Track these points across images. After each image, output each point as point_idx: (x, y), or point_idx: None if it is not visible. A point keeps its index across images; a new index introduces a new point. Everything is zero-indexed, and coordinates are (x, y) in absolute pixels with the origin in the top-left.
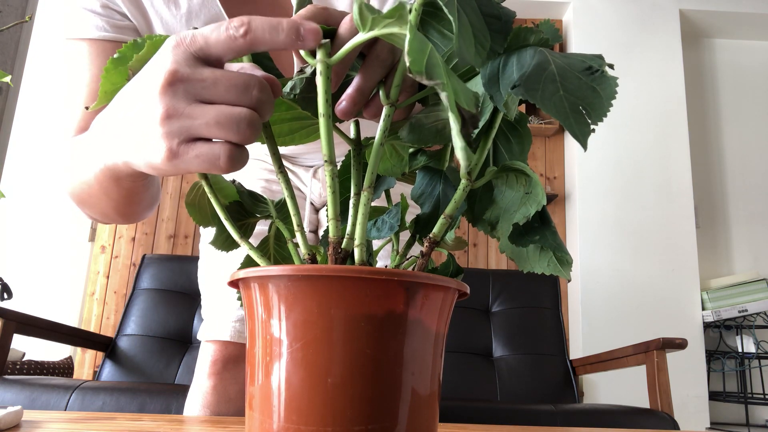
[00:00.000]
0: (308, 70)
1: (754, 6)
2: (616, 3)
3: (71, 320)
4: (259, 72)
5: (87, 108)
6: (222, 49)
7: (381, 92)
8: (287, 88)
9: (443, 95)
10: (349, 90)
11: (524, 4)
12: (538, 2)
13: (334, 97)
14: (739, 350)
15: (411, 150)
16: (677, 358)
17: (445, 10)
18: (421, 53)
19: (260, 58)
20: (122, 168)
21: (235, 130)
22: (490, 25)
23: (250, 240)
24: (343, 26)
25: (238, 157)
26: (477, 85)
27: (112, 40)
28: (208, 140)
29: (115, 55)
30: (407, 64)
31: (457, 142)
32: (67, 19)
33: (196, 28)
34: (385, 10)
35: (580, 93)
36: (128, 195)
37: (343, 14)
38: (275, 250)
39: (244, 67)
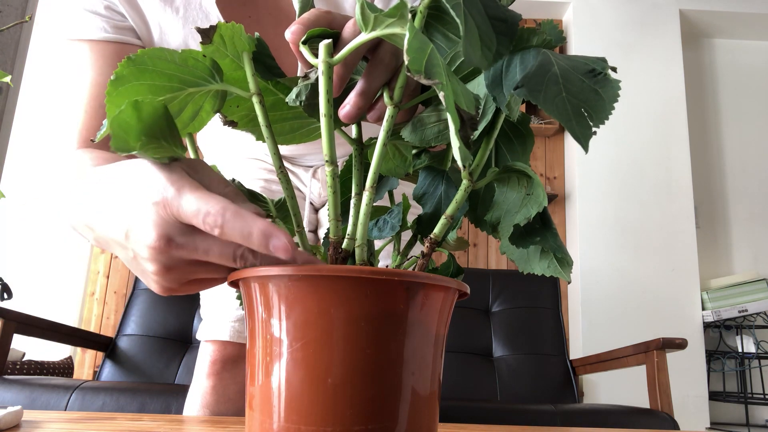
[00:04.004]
0: (312, 76)
1: (754, 6)
2: (616, 3)
3: (71, 320)
4: (256, 228)
5: (93, 140)
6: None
7: (384, 94)
8: (292, 95)
9: (441, 95)
10: (353, 93)
11: (524, 3)
12: (538, 2)
13: (337, 102)
14: (739, 350)
15: (414, 151)
16: (677, 358)
17: (452, 13)
18: (420, 52)
19: (262, 57)
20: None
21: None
22: (495, 28)
23: None
24: (347, 28)
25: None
26: (480, 86)
27: (114, 41)
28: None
29: (112, 77)
30: (406, 62)
31: (455, 142)
32: (68, 20)
33: (198, 28)
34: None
35: (582, 95)
36: None
37: (347, 18)
38: None
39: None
